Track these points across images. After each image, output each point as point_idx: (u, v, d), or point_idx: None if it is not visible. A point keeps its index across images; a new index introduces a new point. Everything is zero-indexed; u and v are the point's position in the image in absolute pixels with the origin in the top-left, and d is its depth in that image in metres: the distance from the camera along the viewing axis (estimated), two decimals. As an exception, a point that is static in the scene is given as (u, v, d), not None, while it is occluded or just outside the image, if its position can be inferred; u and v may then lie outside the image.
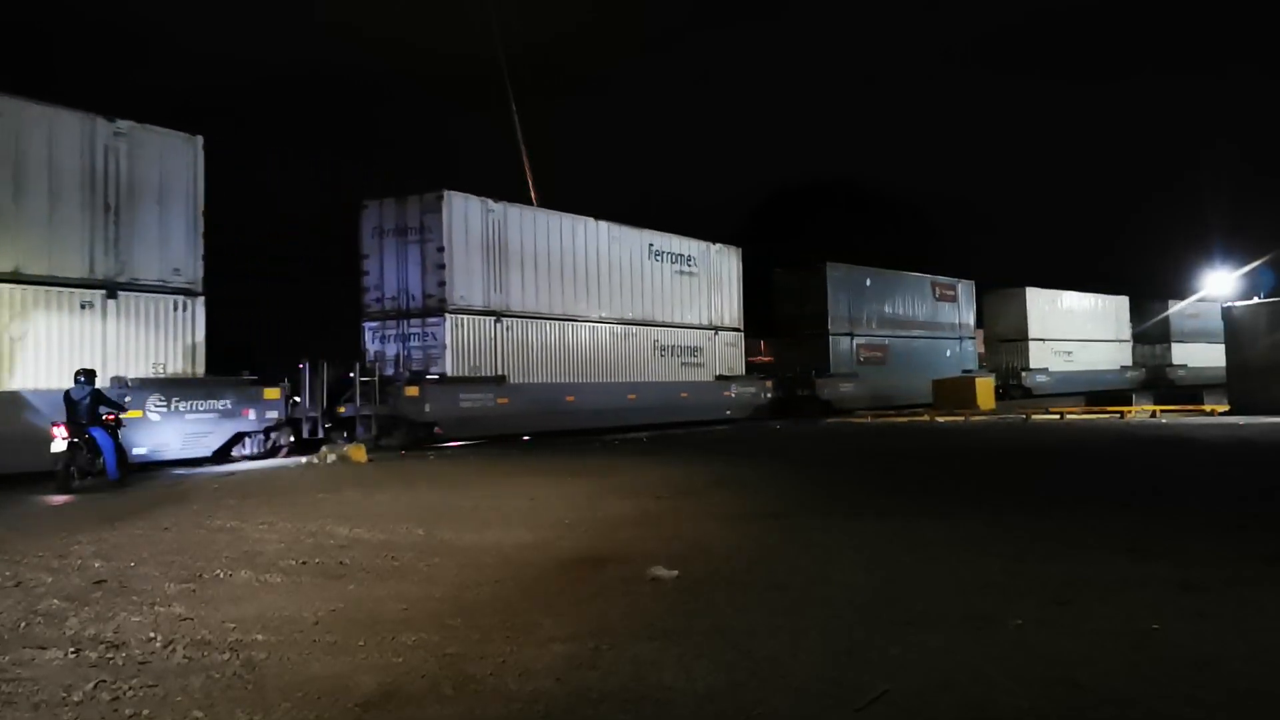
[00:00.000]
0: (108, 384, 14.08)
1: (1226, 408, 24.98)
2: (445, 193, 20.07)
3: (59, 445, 12.21)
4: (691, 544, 7.65)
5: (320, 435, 17.62)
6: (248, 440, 16.52)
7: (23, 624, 5.51)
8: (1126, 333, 48.10)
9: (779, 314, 33.26)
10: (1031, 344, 41.46)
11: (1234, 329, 25.32)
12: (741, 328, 28.54)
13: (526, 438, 21.45)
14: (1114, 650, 4.65)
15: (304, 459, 16.25)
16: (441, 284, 19.91)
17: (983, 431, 21.39)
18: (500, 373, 20.78)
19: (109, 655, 4.87)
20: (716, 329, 27.59)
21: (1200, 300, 50.38)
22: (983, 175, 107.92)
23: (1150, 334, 49.86)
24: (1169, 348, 50.34)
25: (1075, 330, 44.12)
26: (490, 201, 21.26)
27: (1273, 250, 41.09)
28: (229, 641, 5.08)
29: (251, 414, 16.49)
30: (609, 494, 11.01)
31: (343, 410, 18.44)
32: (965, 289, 39.68)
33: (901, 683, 4.23)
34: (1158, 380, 47.07)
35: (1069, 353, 43.40)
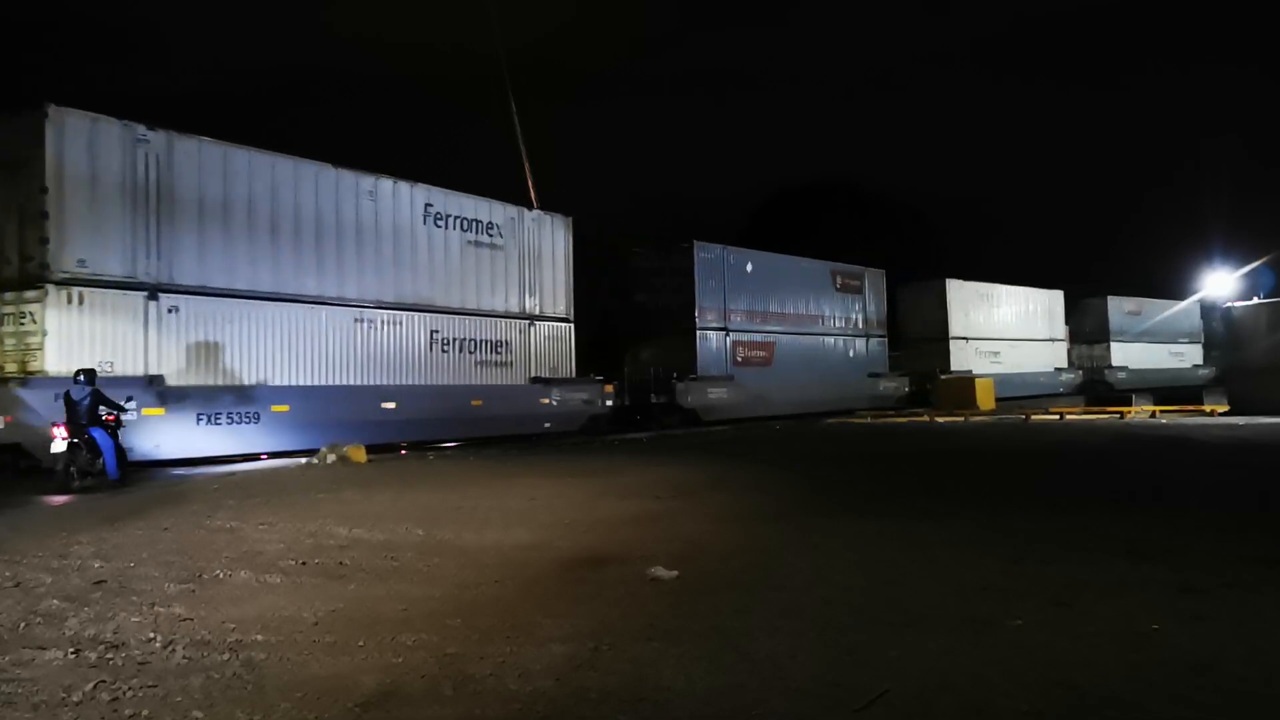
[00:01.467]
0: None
1: (1226, 408, 24.99)
2: (53, 109, 14.34)
3: (59, 445, 12.21)
4: (691, 544, 7.66)
5: None
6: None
7: (22, 624, 5.51)
8: (1061, 330, 44.33)
9: (636, 304, 27.84)
10: (952, 344, 37.33)
11: (1234, 329, 25.32)
12: (572, 318, 23.13)
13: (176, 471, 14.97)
14: (1113, 652, 4.65)
15: (303, 459, 16.25)
16: (44, 241, 14.15)
17: (982, 432, 21.39)
18: (154, 372, 15.25)
19: (108, 656, 4.87)
20: (533, 318, 22.20)
21: (1145, 297, 48.78)
22: (983, 177, 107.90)
23: (1087, 332, 46.37)
24: (1108, 348, 46.33)
25: (1003, 328, 40.52)
26: (142, 128, 15.46)
27: (1271, 250, 41.11)
28: (229, 642, 5.08)
29: None
30: (608, 494, 11.01)
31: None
32: (874, 279, 35.01)
33: (900, 684, 4.23)
34: (1095, 383, 44.30)
35: (996, 353, 39.54)
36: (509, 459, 16.46)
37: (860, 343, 34.05)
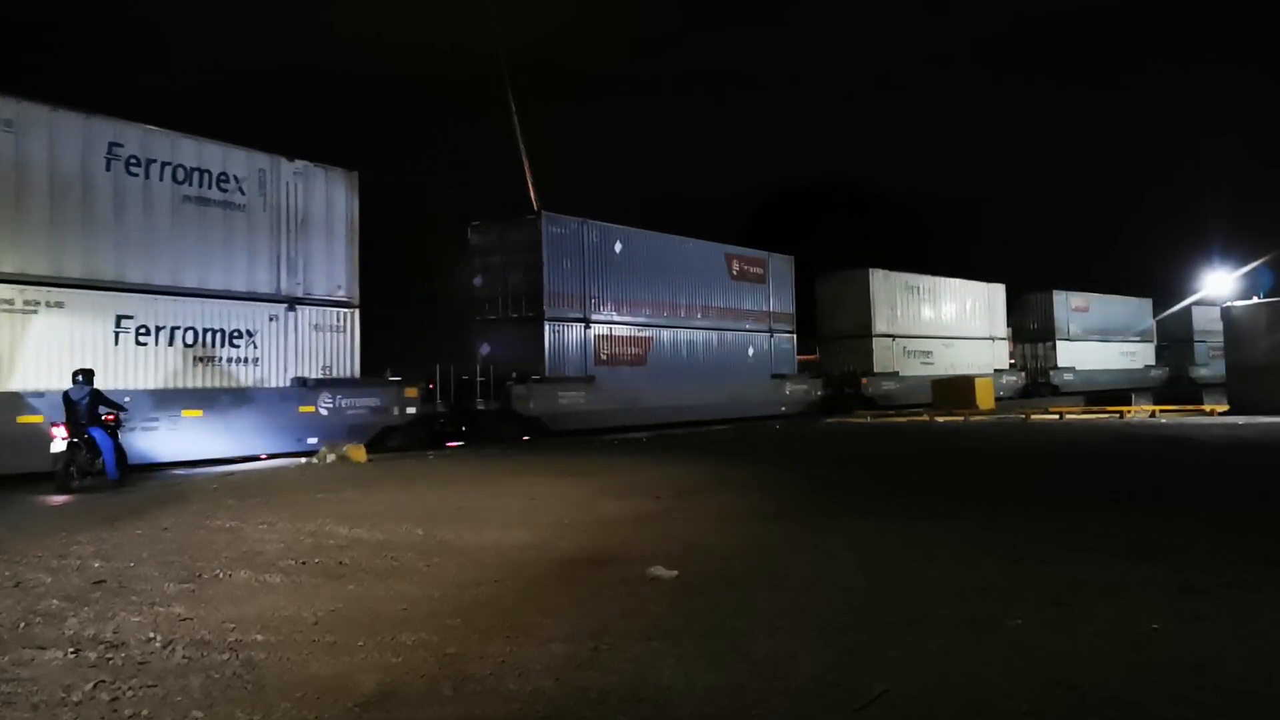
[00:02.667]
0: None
1: (1226, 407, 24.99)
2: None
3: (58, 445, 12.21)
4: (691, 544, 7.66)
5: None
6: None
7: (22, 624, 5.51)
8: (1002, 328, 40.60)
9: (471, 289, 23.15)
10: (877, 342, 33.64)
11: (1234, 329, 25.32)
12: (357, 301, 18.33)
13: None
14: (1113, 652, 4.65)
15: (303, 459, 16.25)
16: None
17: (982, 432, 21.38)
18: None
19: (108, 655, 4.87)
20: (295, 302, 17.30)
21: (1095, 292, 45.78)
22: (983, 177, 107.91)
23: (1032, 331, 43.28)
24: (1053, 347, 42.91)
25: (937, 325, 36.76)
26: None
27: (1271, 250, 41.10)
28: (228, 641, 5.08)
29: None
30: (608, 494, 11.01)
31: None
32: (780, 267, 30.65)
33: (900, 684, 4.23)
34: (1039, 386, 41.21)
35: (927, 353, 36.01)
36: (509, 458, 16.46)
37: (762, 339, 29.54)
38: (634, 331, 24.94)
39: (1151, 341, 49.93)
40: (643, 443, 20.17)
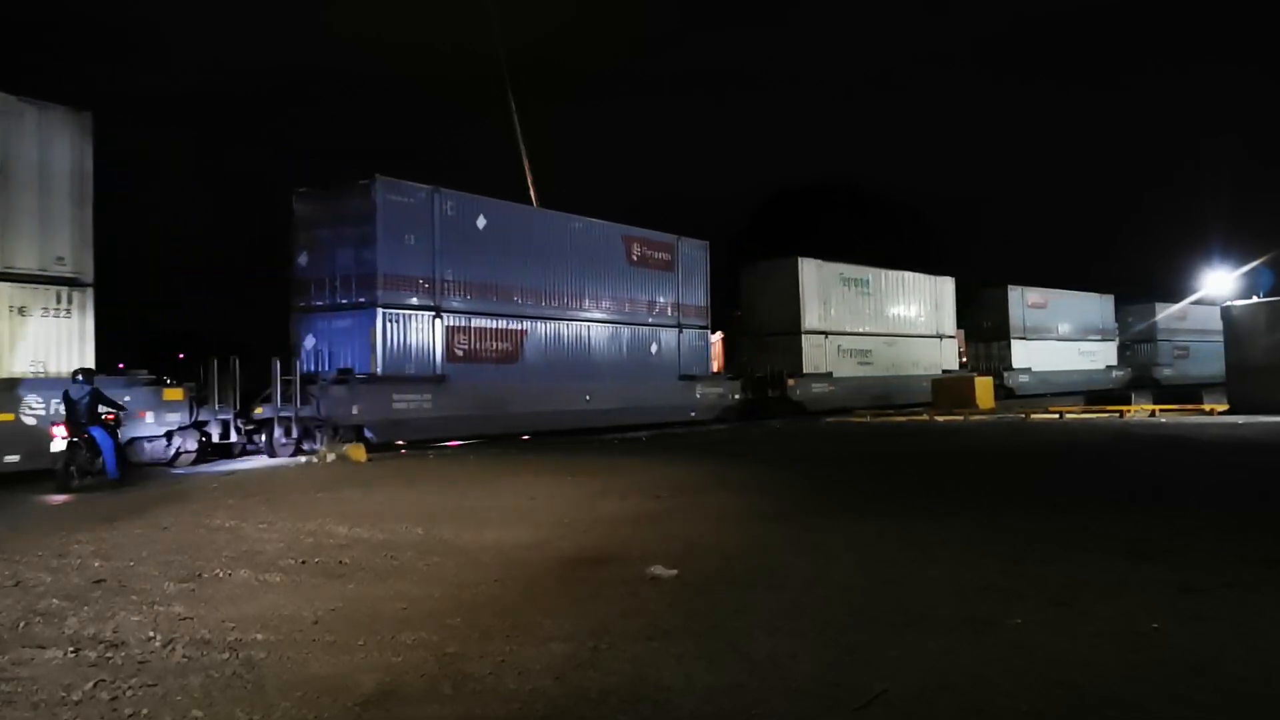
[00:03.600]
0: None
1: (1225, 407, 24.99)
2: None
3: (58, 445, 12.21)
4: (690, 544, 7.66)
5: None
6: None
7: (22, 623, 5.51)
8: (950, 326, 37.69)
9: (295, 270, 19.59)
10: (807, 340, 30.47)
11: (1233, 329, 25.32)
12: (89, 278, 14.40)
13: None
14: (1113, 652, 4.65)
15: (303, 458, 16.26)
16: None
17: (982, 431, 21.38)
18: None
19: (108, 654, 4.87)
20: None
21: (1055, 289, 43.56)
22: (983, 177, 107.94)
23: (986, 329, 40.62)
24: (1008, 346, 40.18)
25: (877, 322, 33.85)
26: None
27: (1271, 250, 41.08)
28: (228, 641, 5.08)
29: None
30: (608, 494, 11.01)
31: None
32: (692, 252, 26.91)
33: (900, 684, 4.23)
34: (1000, 386, 37.65)
35: (865, 352, 32.98)
36: (509, 458, 16.46)
37: (670, 335, 25.83)
38: (502, 324, 21.15)
39: (1114, 340, 47.81)
40: (642, 442, 20.18)
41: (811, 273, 31.13)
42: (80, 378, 12.72)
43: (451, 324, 20.06)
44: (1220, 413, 24.41)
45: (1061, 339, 43.48)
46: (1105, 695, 4.06)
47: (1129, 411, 26.46)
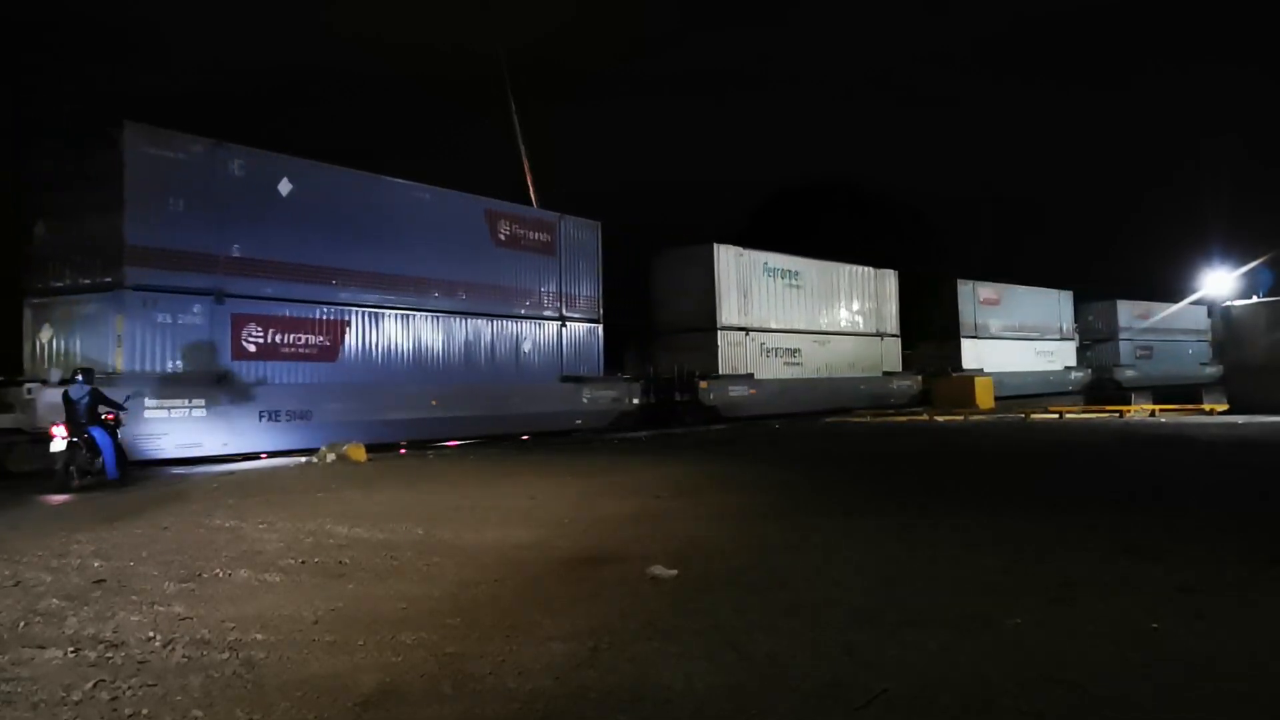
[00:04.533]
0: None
1: (1225, 407, 25.00)
2: None
3: (58, 445, 12.21)
4: (690, 543, 7.66)
5: None
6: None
7: (22, 623, 5.51)
8: (893, 323, 34.40)
9: (30, 242, 16.11)
10: (724, 337, 27.00)
11: (1233, 328, 25.33)
12: None
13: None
14: (1112, 651, 4.65)
15: (303, 459, 16.25)
16: None
17: (982, 431, 21.39)
18: None
19: (108, 654, 4.87)
20: None
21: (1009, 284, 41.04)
22: (983, 177, 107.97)
23: (934, 327, 37.28)
24: (958, 345, 36.96)
25: (807, 319, 30.43)
26: None
27: (1271, 249, 41.02)
28: (228, 641, 5.08)
29: None
30: (608, 493, 11.01)
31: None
32: (578, 234, 23.58)
33: (900, 682, 4.23)
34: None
35: (793, 351, 29.72)
36: (509, 458, 16.46)
37: (549, 330, 22.68)
38: (315, 313, 17.59)
39: (1073, 340, 45.08)
40: (642, 441, 20.18)
41: (729, 261, 27.51)
42: (80, 378, 12.73)
43: (240, 311, 16.35)
44: (1220, 412, 24.43)
45: (1016, 338, 40.84)
46: (1105, 694, 4.06)
47: (1129, 411, 26.49)
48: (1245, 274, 43.15)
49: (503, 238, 21.73)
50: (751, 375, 27.71)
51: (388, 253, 19.02)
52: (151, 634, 5.23)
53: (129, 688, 4.35)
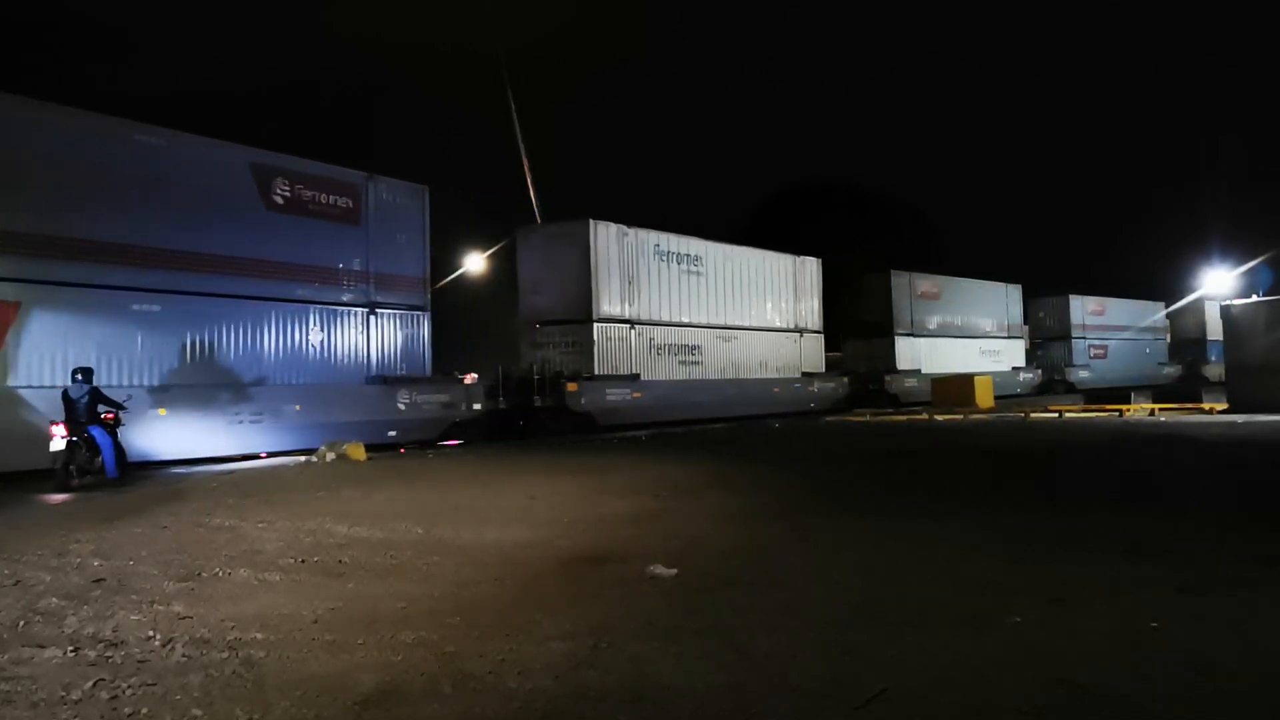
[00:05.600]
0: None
1: (1225, 406, 25.00)
2: None
3: (58, 444, 12.21)
4: (690, 542, 7.66)
5: None
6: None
7: (21, 622, 5.50)
8: (815, 318, 31.03)
9: None
10: (602, 330, 23.37)
11: (1233, 327, 25.33)
12: None
13: None
14: (1112, 650, 4.65)
15: (303, 458, 16.25)
16: None
17: (981, 430, 21.38)
18: None
19: (108, 654, 4.87)
20: None
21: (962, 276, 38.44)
22: (983, 176, 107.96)
23: (867, 323, 34.47)
24: (891, 344, 33.97)
25: (709, 310, 26.75)
26: None
27: (1271, 249, 40.99)
28: (228, 640, 5.08)
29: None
30: (608, 492, 11.01)
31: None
32: (396, 200, 19.41)
33: (900, 682, 4.23)
34: (870, 393, 32.37)
35: (692, 349, 26.12)
36: (508, 457, 16.47)
37: (352, 319, 18.44)
38: None
39: (1021, 338, 42.34)
40: (642, 441, 20.18)
41: (610, 241, 23.59)
42: (80, 377, 12.72)
43: None
44: (1219, 412, 24.43)
45: (958, 335, 37.60)
46: (1105, 693, 4.06)
47: (1128, 410, 26.51)
48: (1245, 273, 43.16)
49: (280, 200, 17.33)
50: (637, 376, 24.01)
51: (86, 212, 14.70)
52: (151, 633, 5.22)
53: (128, 687, 4.35)
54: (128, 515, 9.68)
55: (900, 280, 35.01)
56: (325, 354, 18.15)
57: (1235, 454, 14.78)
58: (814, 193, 63.70)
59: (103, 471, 12.62)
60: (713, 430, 23.52)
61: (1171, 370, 49.61)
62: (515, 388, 21.87)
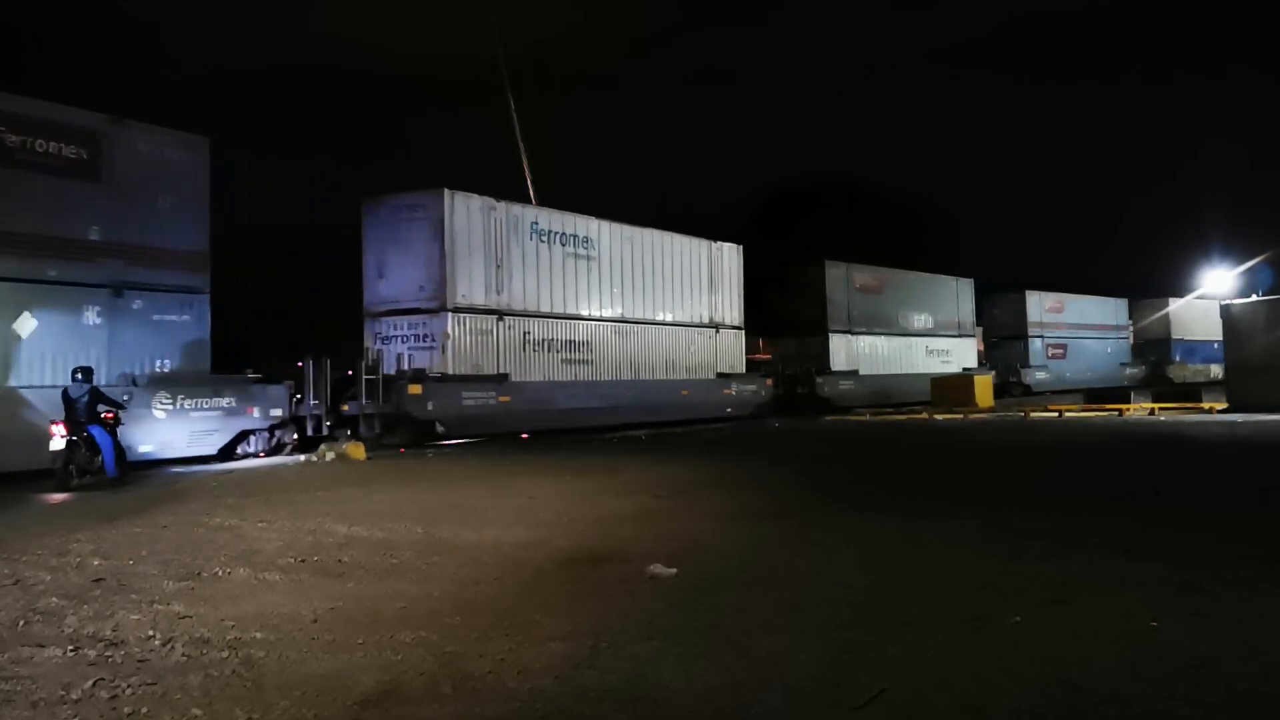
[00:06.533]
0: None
1: (1224, 405, 25.01)
2: None
3: (57, 443, 12.19)
4: (690, 542, 7.66)
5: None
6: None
7: (21, 622, 5.51)
8: (735, 313, 27.30)
9: None
10: (461, 322, 19.81)
11: (1232, 327, 25.33)
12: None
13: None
14: (1111, 650, 4.65)
15: (303, 457, 16.26)
16: None
17: (981, 430, 21.39)
18: None
19: (108, 653, 4.87)
20: None
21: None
22: (980, 175, 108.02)
23: (799, 320, 31.09)
24: (825, 342, 30.73)
25: (600, 300, 23.02)
26: None
27: (1270, 248, 40.98)
28: (228, 639, 5.08)
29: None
30: (607, 492, 11.01)
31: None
32: (156, 152, 15.27)
33: (900, 682, 4.23)
34: (798, 397, 29.11)
35: (580, 345, 22.50)
36: (509, 457, 16.47)
37: (93, 304, 14.38)
38: None
39: (973, 336, 38.88)
40: (642, 441, 20.18)
41: (472, 217, 20.11)
42: (79, 376, 12.71)
43: None
44: (1219, 411, 24.43)
45: (902, 333, 34.56)
46: (1104, 693, 4.06)
47: (1128, 410, 26.52)
48: (1244, 272, 43.12)
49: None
50: (505, 377, 20.51)
51: None
52: (151, 633, 5.22)
53: (128, 686, 4.35)
54: (128, 515, 9.68)
55: (836, 271, 31.72)
56: (39, 350, 13.65)
57: (1235, 454, 14.79)
58: (813, 191, 63.62)
59: (103, 471, 12.61)
60: (712, 429, 23.53)
61: (1135, 371, 46.75)
62: (333, 389, 17.80)
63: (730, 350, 27.34)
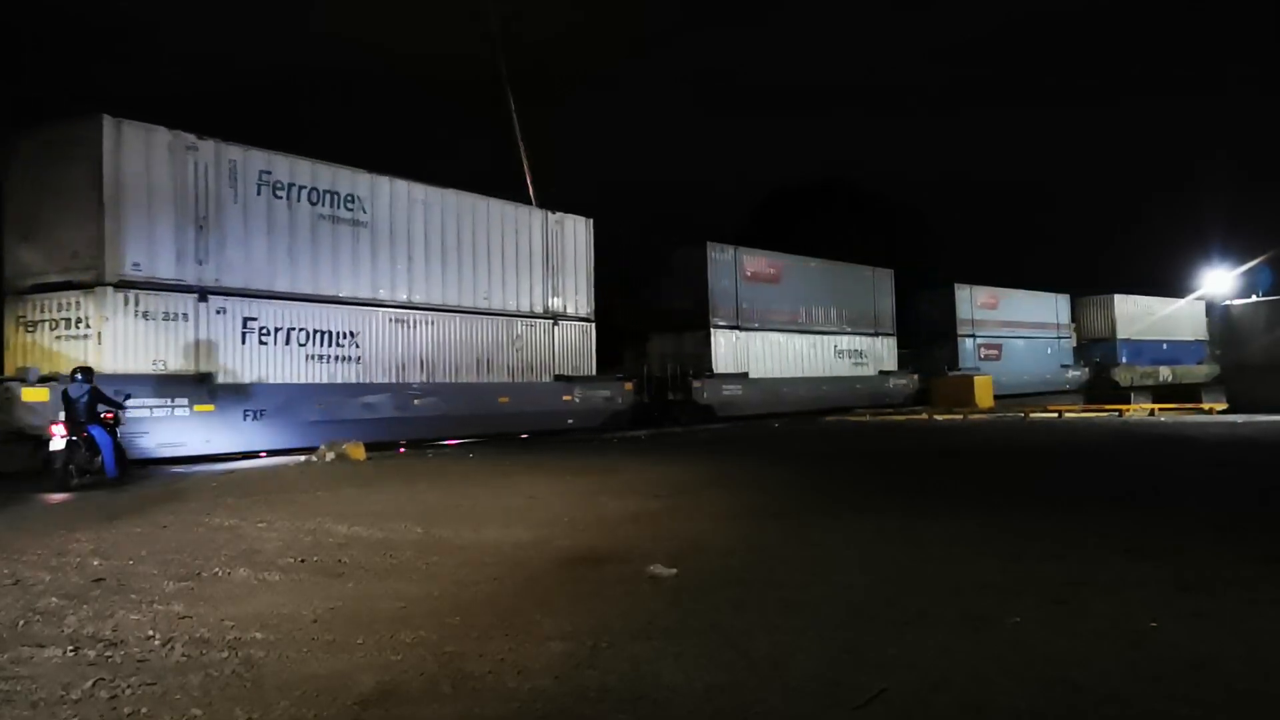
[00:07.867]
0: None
1: (1224, 406, 25.02)
2: None
3: (57, 443, 12.18)
4: (690, 542, 7.66)
5: None
6: None
7: (21, 622, 5.50)
8: (583, 302, 23.08)
9: None
10: (126, 301, 14.76)
11: (1232, 327, 25.34)
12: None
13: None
14: (1112, 650, 4.65)
15: (303, 457, 16.25)
16: None
17: (981, 430, 21.40)
18: None
19: (107, 653, 4.87)
20: None
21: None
22: (983, 175, 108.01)
23: (681, 313, 26.15)
24: (706, 338, 26.01)
25: (374, 279, 18.35)
26: None
27: (1269, 249, 40.96)
28: (227, 639, 5.07)
29: None
30: (607, 493, 11.01)
31: None
32: None
33: (899, 682, 4.23)
34: (673, 406, 25.01)
35: (344, 336, 17.85)
36: (509, 456, 16.47)
37: None
38: None
39: (892, 335, 34.30)
40: (641, 440, 20.19)
41: (155, 159, 15.19)
42: (80, 376, 12.71)
43: None
44: (1219, 411, 24.44)
45: (804, 331, 29.85)
46: (1104, 693, 4.06)
47: (1128, 410, 26.53)
48: (1244, 273, 43.06)
49: None
50: (208, 377, 15.61)
51: None
52: (151, 633, 5.22)
53: (128, 686, 4.35)
54: (127, 515, 9.68)
55: (721, 257, 26.90)
56: None
57: (1235, 454, 14.79)
58: (811, 192, 63.52)
59: (102, 471, 12.60)
60: (711, 429, 23.51)
61: (1077, 374, 43.39)
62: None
63: (576, 348, 22.77)
